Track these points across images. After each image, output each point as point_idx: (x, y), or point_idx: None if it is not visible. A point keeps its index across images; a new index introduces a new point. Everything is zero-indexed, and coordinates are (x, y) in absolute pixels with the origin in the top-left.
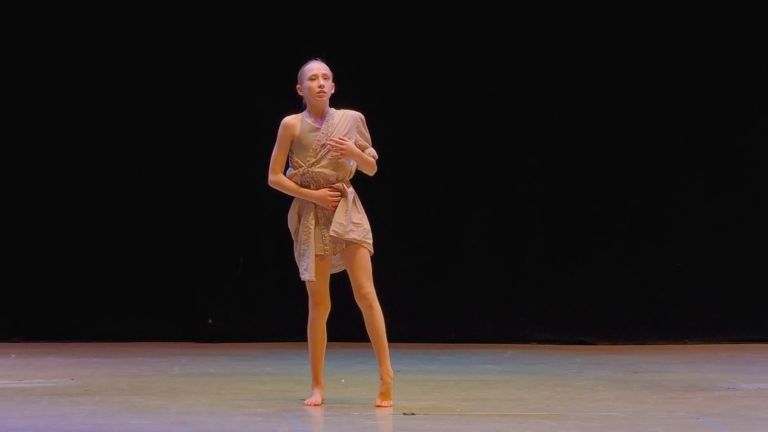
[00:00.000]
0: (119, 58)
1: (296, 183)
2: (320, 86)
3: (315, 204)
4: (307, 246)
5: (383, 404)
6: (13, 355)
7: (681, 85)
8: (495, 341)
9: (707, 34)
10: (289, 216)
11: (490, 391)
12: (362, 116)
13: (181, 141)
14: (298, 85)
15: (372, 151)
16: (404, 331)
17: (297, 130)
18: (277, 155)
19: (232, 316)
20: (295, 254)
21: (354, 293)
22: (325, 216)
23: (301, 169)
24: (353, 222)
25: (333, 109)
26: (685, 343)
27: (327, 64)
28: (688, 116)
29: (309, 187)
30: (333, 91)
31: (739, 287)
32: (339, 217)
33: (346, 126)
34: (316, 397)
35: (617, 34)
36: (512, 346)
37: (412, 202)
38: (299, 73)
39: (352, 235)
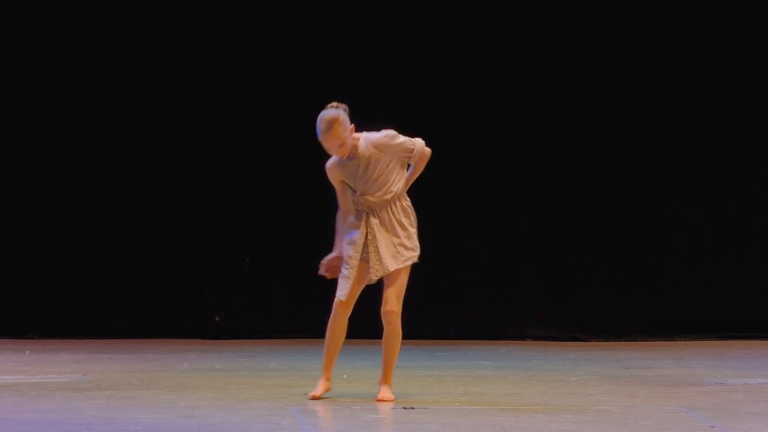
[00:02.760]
0: (126, 56)
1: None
2: (339, 154)
3: (366, 225)
4: (351, 272)
5: (384, 398)
6: (27, 352)
7: (671, 86)
8: (491, 338)
9: (699, 34)
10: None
11: (486, 386)
12: (382, 137)
13: (188, 140)
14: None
15: (415, 145)
16: (404, 328)
17: (338, 171)
18: (337, 195)
19: (238, 313)
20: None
21: (381, 305)
22: (375, 235)
23: (354, 197)
24: (399, 246)
25: (358, 140)
26: (674, 340)
27: (332, 123)
28: (676, 118)
29: (362, 211)
30: (351, 135)
31: (724, 286)
32: (385, 255)
33: (377, 160)
34: (319, 389)
35: (612, 36)
36: (508, 343)
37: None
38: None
39: (393, 267)
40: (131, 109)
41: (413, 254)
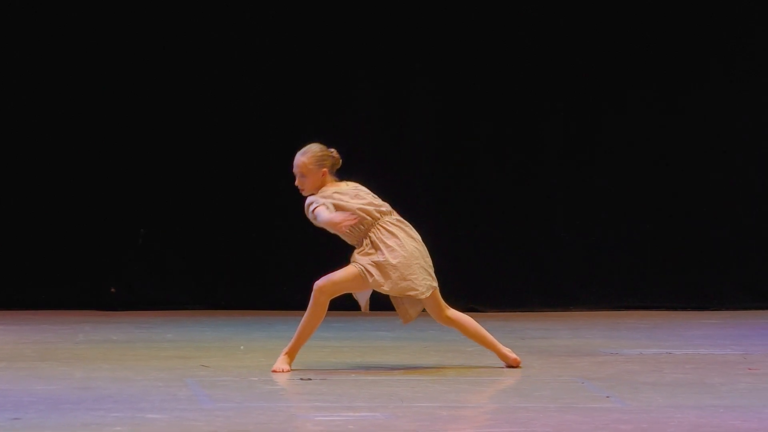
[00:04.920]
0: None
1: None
2: (297, 184)
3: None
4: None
5: (277, 369)
6: None
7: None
8: (389, 309)
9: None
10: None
11: (383, 357)
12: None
13: (82, 111)
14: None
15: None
16: (301, 300)
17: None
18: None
19: (134, 285)
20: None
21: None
22: None
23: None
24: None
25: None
26: (569, 311)
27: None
28: (563, 96)
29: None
30: (320, 179)
31: (618, 256)
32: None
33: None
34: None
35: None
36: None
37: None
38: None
39: (355, 260)
40: (41, 86)
41: (374, 270)
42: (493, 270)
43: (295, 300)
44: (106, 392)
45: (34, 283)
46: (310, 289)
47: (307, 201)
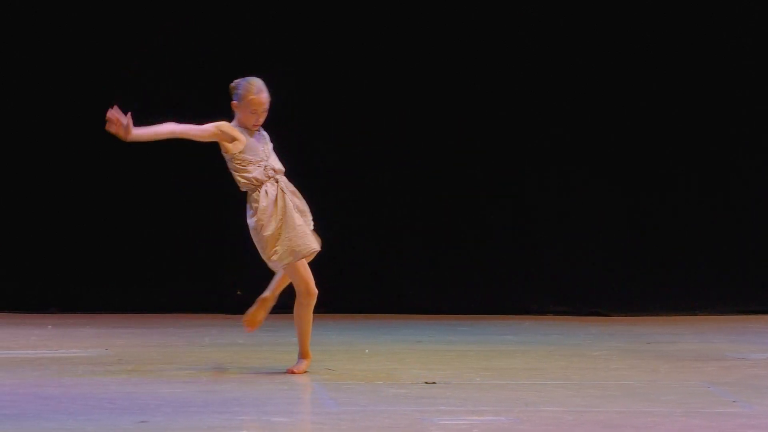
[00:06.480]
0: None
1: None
2: (261, 118)
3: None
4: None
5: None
6: (50, 326)
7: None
8: (513, 313)
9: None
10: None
11: (508, 361)
12: None
13: None
14: (234, 102)
15: None
16: (426, 303)
17: (239, 134)
18: (201, 128)
19: (260, 288)
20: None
21: (312, 283)
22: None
23: (259, 168)
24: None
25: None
26: (695, 315)
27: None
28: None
29: (269, 181)
30: None
31: (744, 261)
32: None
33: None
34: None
35: (608, 36)
36: (529, 318)
37: (437, 180)
38: (242, 91)
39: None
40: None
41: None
42: (619, 275)
43: (422, 305)
44: (232, 395)
45: (160, 287)
46: (438, 294)
47: None
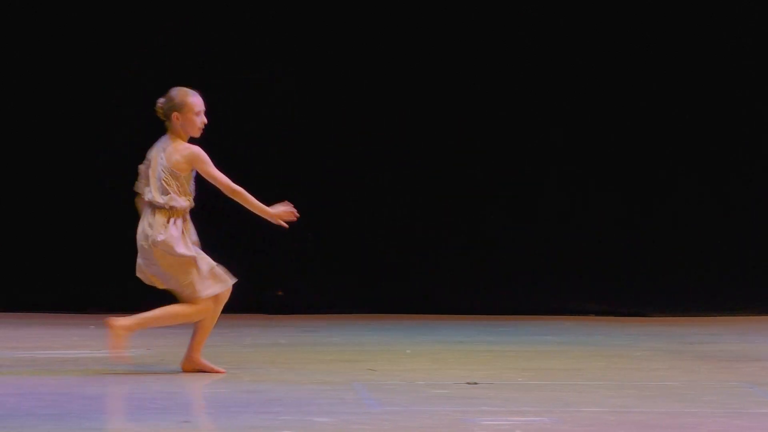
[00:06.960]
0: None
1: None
2: (200, 128)
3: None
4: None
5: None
6: (91, 327)
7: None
8: (554, 313)
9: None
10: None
11: (548, 362)
12: None
13: None
14: (176, 113)
15: None
16: (466, 303)
17: None
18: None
19: (301, 288)
20: (204, 269)
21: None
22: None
23: (191, 197)
24: None
25: None
26: (736, 315)
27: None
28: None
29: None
30: None
31: None
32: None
33: None
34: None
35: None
36: (569, 318)
37: (480, 176)
38: (178, 99)
39: None
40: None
41: None
42: (659, 275)
43: (462, 305)
44: (273, 395)
45: None
46: (471, 294)
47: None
